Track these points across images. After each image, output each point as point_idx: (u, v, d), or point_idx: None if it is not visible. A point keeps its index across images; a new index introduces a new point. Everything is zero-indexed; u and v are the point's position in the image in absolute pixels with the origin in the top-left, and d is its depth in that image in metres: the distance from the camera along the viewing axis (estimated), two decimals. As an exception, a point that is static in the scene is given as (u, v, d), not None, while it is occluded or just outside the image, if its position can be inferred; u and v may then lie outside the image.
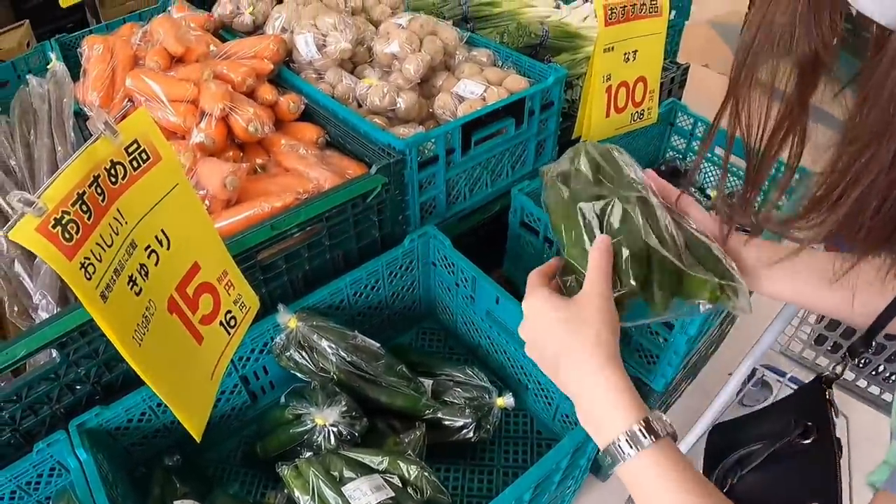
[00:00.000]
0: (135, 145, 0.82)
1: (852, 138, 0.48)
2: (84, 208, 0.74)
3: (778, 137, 0.57)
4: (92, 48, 1.67)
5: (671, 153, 1.94)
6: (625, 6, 1.48)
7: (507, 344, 1.35)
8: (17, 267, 1.32)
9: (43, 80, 1.71)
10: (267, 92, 1.52)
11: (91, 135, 0.77)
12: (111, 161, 0.78)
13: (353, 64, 1.69)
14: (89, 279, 0.77)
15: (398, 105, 1.52)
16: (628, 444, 0.63)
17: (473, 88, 1.53)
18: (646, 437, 0.63)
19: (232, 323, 1.06)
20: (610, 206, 0.82)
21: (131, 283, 0.84)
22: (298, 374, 1.25)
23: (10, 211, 0.62)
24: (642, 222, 0.80)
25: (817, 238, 0.53)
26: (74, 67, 1.72)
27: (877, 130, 0.45)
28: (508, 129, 1.51)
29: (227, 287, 1.05)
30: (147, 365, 0.83)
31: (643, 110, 1.70)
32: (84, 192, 0.74)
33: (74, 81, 1.67)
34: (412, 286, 1.46)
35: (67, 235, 0.72)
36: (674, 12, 2.14)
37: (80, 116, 1.64)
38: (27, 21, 3.21)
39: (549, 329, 0.73)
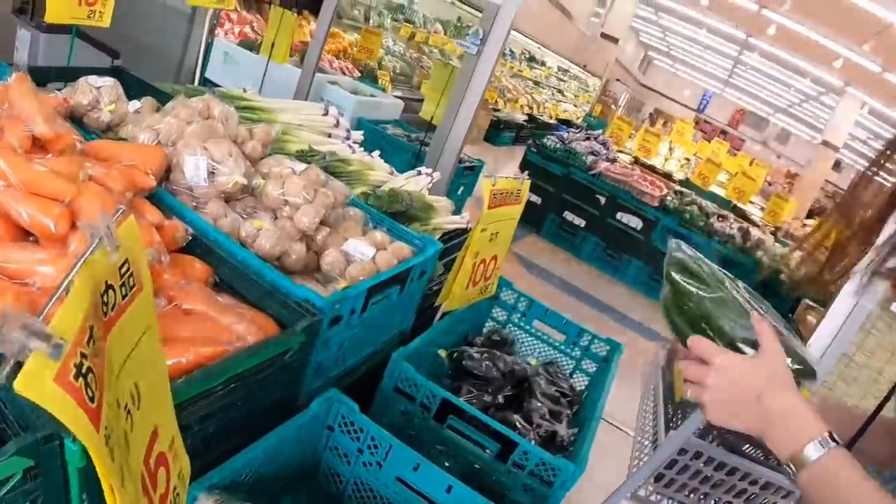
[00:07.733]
0: (125, 266, 0.66)
1: None
2: (95, 348, 0.58)
3: None
4: None
5: (492, 323, 2.12)
6: (503, 192, 1.68)
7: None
8: None
9: None
10: (151, 212, 1.35)
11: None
12: (105, 283, 0.62)
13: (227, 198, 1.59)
14: (113, 460, 0.63)
15: (290, 255, 1.47)
16: (822, 444, 0.84)
17: (364, 250, 1.55)
18: (834, 441, 0.85)
19: (176, 500, 0.89)
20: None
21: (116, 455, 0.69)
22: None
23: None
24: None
25: None
26: None
27: None
28: (392, 295, 1.55)
29: (174, 457, 0.90)
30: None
31: (488, 285, 1.88)
32: (93, 326, 0.58)
33: None
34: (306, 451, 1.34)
35: (91, 392, 0.58)
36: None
37: None
38: None
39: (752, 373, 0.93)
